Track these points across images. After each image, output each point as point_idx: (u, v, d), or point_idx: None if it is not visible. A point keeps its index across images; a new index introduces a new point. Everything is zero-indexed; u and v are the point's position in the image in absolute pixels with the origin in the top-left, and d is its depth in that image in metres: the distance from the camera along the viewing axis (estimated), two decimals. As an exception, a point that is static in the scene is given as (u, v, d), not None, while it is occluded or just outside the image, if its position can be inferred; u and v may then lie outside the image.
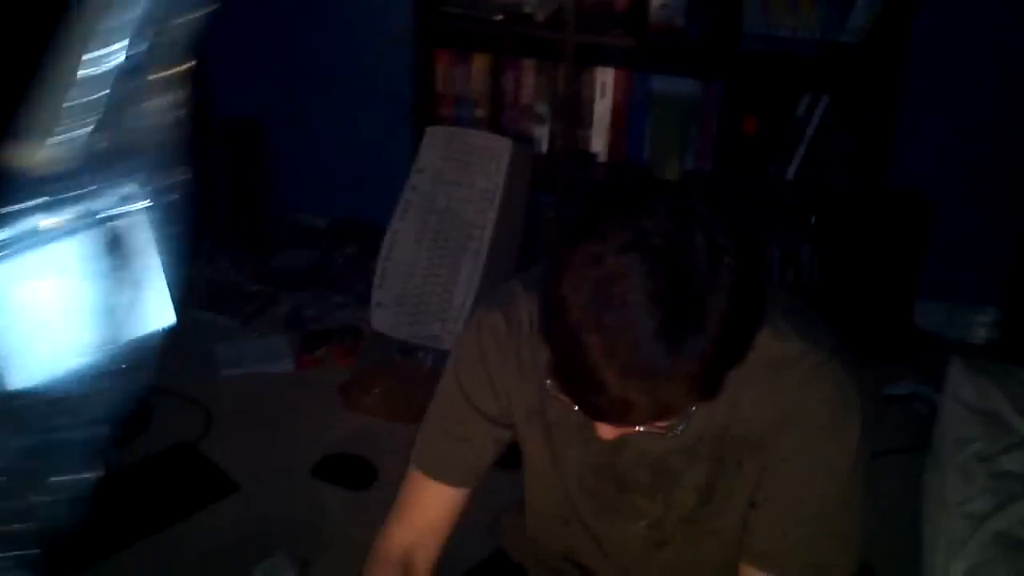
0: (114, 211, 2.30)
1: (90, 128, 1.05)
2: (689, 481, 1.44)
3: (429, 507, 1.54)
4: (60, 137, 1.04)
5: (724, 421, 1.37)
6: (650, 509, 1.47)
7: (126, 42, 1.04)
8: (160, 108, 1.05)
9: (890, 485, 2.58)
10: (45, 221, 1.22)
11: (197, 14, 1.05)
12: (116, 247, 2.70)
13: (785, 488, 1.41)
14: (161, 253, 2.90)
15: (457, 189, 3.02)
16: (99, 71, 1.05)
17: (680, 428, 1.25)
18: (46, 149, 1.04)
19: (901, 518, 2.44)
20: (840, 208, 3.17)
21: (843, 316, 3.14)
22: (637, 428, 1.19)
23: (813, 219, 3.22)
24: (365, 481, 2.64)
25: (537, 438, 1.48)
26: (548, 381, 1.22)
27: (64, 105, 1.03)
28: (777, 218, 3.23)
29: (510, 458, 1.56)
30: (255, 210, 3.77)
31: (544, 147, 3.41)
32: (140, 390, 2.97)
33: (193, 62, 1.02)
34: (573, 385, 1.15)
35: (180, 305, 2.98)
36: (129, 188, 2.79)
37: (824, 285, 3.25)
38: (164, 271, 2.91)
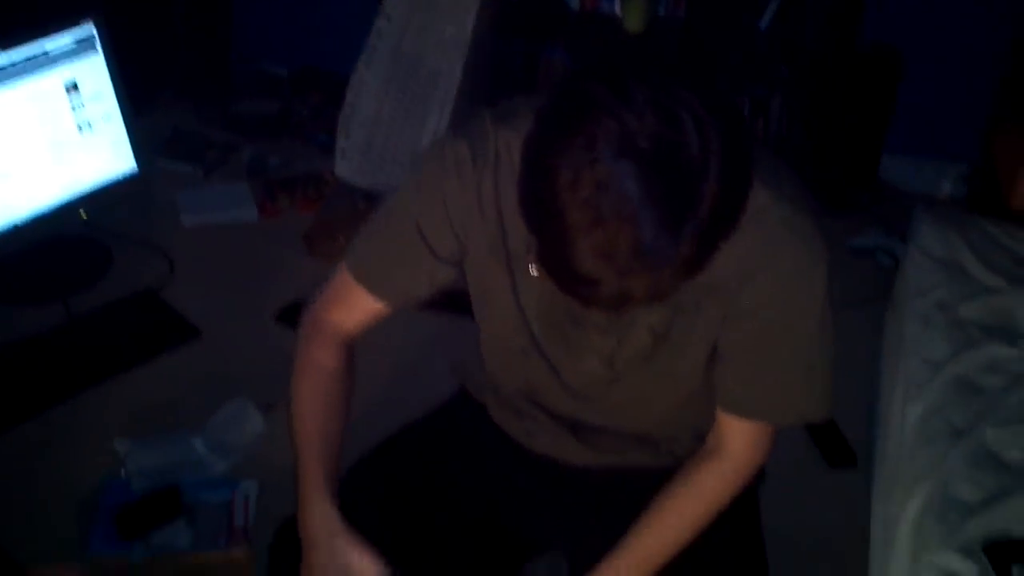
0: (70, 53, 2.25)
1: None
2: (644, 321, 1.44)
3: (354, 307, 1.57)
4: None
5: None
6: (604, 346, 1.48)
7: None
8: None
9: (852, 337, 2.59)
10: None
11: None
12: (73, 90, 2.65)
13: (754, 336, 1.43)
14: (119, 98, 2.86)
15: (424, 36, 2.96)
16: None
17: None
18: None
19: (861, 368, 2.47)
20: (811, 62, 3.13)
21: (810, 168, 3.14)
22: None
23: (784, 71, 3.17)
24: (329, 327, 2.63)
25: (499, 270, 1.47)
26: (533, 267, 1.20)
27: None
28: (748, 68, 3.18)
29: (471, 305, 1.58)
30: (217, 57, 3.67)
31: (513, -6, 3.32)
32: (100, 236, 2.98)
33: None
34: (567, 280, 1.15)
35: (140, 152, 2.94)
36: (85, 29, 2.75)
37: (792, 137, 3.23)
38: (123, 117, 2.87)
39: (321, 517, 1.47)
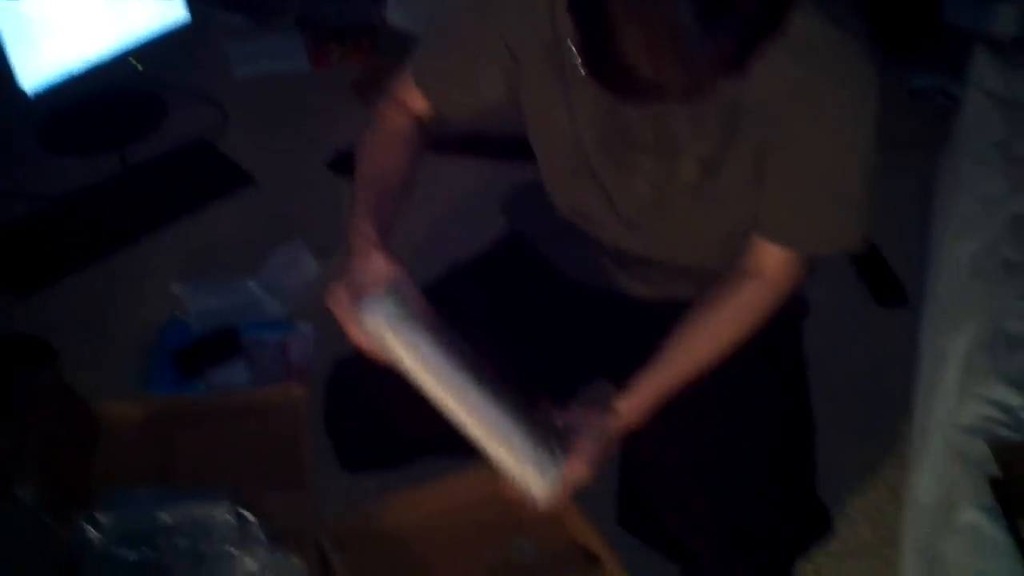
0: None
1: None
2: (693, 152, 1.44)
3: (412, 107, 1.62)
4: None
5: (736, 93, 1.36)
6: (653, 171, 1.48)
7: None
8: None
9: (908, 178, 2.57)
10: None
11: None
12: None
13: (796, 163, 1.43)
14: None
15: None
16: None
17: None
18: None
19: (916, 209, 2.45)
20: None
21: (872, 8, 3.05)
22: None
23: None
24: (381, 173, 2.64)
25: (554, 79, 1.48)
26: (577, 60, 1.21)
27: None
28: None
29: (519, 148, 1.61)
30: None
31: None
32: (153, 87, 2.99)
33: None
34: (606, 71, 1.15)
35: (190, 1, 2.93)
36: None
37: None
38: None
39: (364, 232, 1.51)
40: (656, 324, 1.61)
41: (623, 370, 1.60)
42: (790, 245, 1.51)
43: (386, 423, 1.76)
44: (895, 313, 2.33)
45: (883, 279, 2.36)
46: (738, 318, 1.55)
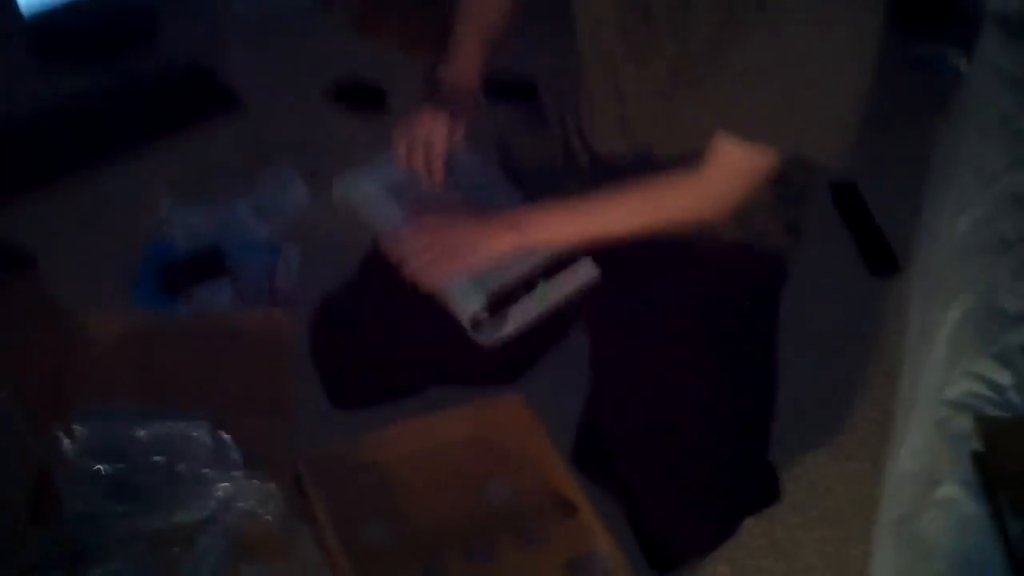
0: None
1: None
2: (702, 29, 1.44)
3: None
4: None
5: None
6: (668, 48, 1.48)
7: None
8: None
9: (905, 147, 2.57)
10: None
11: None
12: None
13: (786, 53, 1.37)
14: None
15: None
16: None
17: None
18: None
19: (913, 179, 2.44)
20: None
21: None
22: None
23: None
24: (376, 105, 2.62)
25: None
26: None
27: None
28: None
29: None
30: None
31: None
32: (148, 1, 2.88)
33: None
34: None
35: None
36: None
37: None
38: None
39: (457, 68, 1.69)
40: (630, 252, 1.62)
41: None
42: (753, 138, 1.44)
43: (373, 359, 1.76)
44: (888, 283, 2.32)
45: (877, 248, 2.35)
46: (662, 205, 1.55)
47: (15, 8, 2.41)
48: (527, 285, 1.58)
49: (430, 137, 1.63)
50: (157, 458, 1.62)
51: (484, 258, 1.56)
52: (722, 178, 1.50)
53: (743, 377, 1.61)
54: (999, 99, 2.25)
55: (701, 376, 1.57)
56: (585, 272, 1.63)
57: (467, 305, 1.54)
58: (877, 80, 1.40)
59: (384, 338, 1.72)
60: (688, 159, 1.52)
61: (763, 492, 1.68)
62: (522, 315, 1.57)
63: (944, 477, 1.53)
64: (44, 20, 2.62)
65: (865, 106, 1.42)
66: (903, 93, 2.71)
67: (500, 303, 1.55)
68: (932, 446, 1.63)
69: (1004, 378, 1.66)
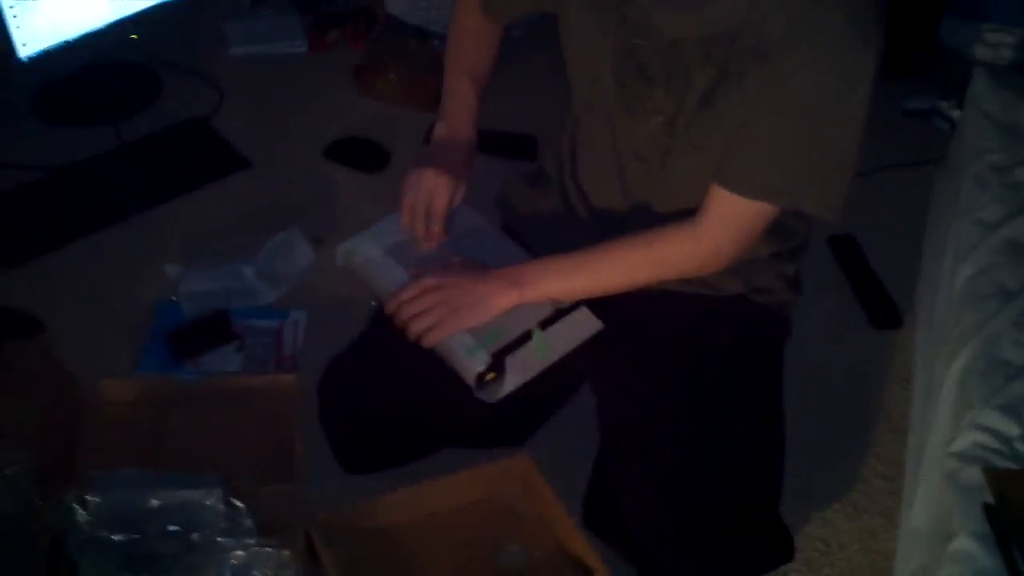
0: None
1: None
2: (697, 84, 1.46)
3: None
4: None
5: (739, 21, 1.39)
6: (665, 104, 1.50)
7: None
8: None
9: (902, 199, 2.59)
10: None
11: None
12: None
13: (780, 106, 1.41)
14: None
15: None
16: None
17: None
18: None
19: (911, 230, 2.46)
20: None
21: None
22: None
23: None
24: (378, 164, 2.63)
25: (593, 21, 1.53)
26: None
27: None
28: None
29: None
30: None
31: None
32: (150, 63, 2.95)
33: None
34: None
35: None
36: None
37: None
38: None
39: (453, 122, 1.74)
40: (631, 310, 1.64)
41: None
42: (748, 193, 1.48)
43: (380, 425, 1.76)
44: (890, 335, 2.32)
45: (880, 301, 2.36)
46: (656, 260, 1.58)
47: (20, 63, 2.44)
48: (526, 336, 1.59)
49: (432, 202, 1.65)
50: (171, 527, 1.61)
51: (487, 315, 1.58)
52: (719, 231, 1.53)
53: (752, 433, 1.62)
54: (992, 147, 2.28)
55: (710, 433, 1.58)
56: (584, 321, 1.64)
57: (471, 362, 1.55)
58: (871, 133, 1.44)
59: (390, 402, 1.73)
60: (685, 213, 1.56)
61: (776, 550, 1.68)
62: (522, 367, 1.58)
63: (957, 530, 1.54)
64: (49, 80, 2.66)
65: (857, 158, 1.45)
66: (898, 146, 2.74)
67: (503, 359, 1.56)
68: (943, 499, 1.64)
69: (1011, 429, 1.67)
